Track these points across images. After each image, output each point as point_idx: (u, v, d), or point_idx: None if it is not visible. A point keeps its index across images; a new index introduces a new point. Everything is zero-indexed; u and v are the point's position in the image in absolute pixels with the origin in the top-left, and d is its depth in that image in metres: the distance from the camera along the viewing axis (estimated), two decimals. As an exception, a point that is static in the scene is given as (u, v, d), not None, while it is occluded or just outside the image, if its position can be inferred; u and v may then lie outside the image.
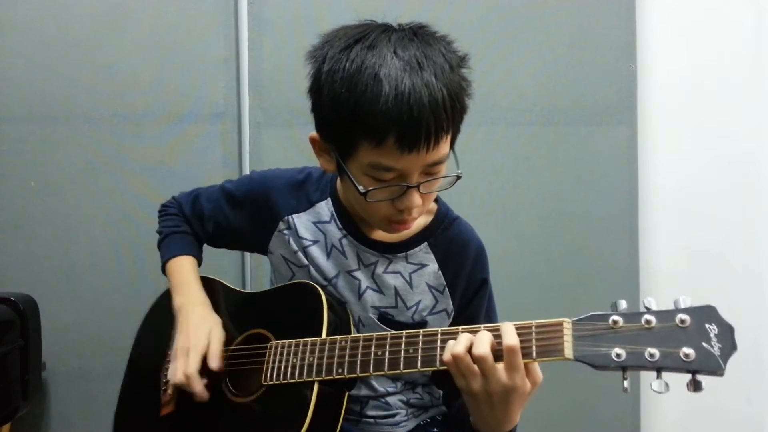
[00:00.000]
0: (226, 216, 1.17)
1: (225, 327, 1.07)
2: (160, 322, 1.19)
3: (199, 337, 1.02)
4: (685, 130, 1.89)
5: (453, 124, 0.90)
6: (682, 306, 0.76)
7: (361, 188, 0.90)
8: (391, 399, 1.10)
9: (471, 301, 1.08)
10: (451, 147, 0.94)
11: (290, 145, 1.75)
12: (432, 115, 0.85)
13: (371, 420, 1.09)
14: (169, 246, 1.18)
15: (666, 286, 1.87)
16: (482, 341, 0.81)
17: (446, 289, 1.06)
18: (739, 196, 1.88)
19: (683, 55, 1.88)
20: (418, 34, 0.90)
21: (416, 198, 0.91)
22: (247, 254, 1.78)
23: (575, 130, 1.84)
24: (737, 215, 1.88)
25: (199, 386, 0.98)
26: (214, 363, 1.00)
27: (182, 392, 1.06)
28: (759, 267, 1.89)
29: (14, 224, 1.74)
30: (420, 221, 1.07)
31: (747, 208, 1.89)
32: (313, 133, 0.97)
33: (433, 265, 1.06)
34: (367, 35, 0.89)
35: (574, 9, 1.82)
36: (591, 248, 1.85)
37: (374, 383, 1.09)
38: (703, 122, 1.88)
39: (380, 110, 0.84)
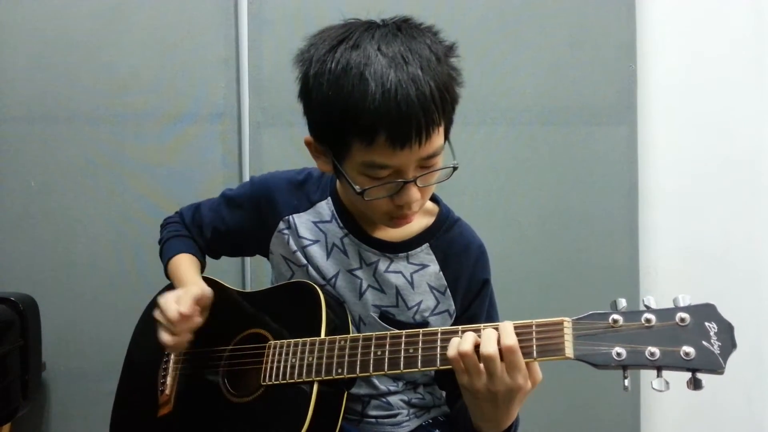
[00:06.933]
0: (225, 220, 1.17)
1: (223, 326, 1.07)
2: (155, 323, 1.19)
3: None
4: (685, 130, 1.89)
5: (444, 115, 0.89)
6: (682, 304, 0.76)
7: (357, 188, 0.90)
8: (392, 399, 1.10)
9: (473, 301, 1.08)
10: (446, 138, 0.93)
11: (290, 145, 1.74)
12: (421, 109, 0.84)
13: (373, 420, 1.09)
14: (167, 249, 1.18)
15: (666, 286, 1.87)
16: (490, 340, 0.80)
17: (447, 290, 1.06)
18: (740, 196, 1.88)
19: (683, 55, 1.88)
20: (402, 29, 0.89)
21: (414, 192, 0.91)
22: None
23: (575, 130, 1.84)
24: (737, 215, 1.88)
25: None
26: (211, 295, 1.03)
27: (180, 393, 1.06)
28: (759, 267, 1.89)
29: (14, 224, 1.74)
30: (421, 222, 1.07)
31: (747, 207, 1.89)
32: (308, 136, 0.97)
33: (434, 266, 1.06)
34: (350, 35, 0.88)
35: (574, 9, 1.82)
36: (591, 248, 1.84)
37: (375, 381, 1.08)
38: (703, 122, 1.88)
39: (368, 109, 0.83)
